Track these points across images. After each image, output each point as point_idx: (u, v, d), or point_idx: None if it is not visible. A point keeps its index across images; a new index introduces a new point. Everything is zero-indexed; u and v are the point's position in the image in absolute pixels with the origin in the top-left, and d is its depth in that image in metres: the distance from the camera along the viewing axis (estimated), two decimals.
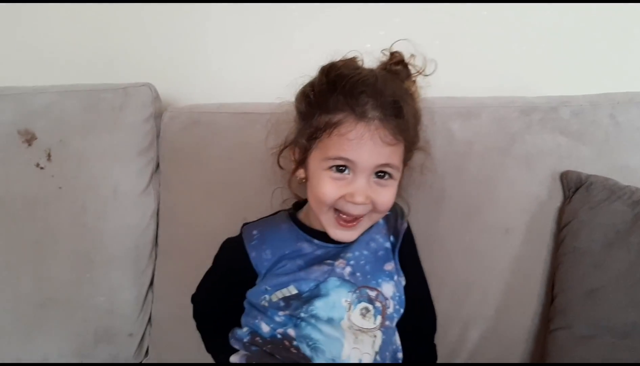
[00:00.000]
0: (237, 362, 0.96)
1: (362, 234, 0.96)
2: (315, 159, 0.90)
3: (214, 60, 1.39)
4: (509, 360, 1.08)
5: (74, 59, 1.43)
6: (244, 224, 1.00)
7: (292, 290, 0.93)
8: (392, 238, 1.01)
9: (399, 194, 0.98)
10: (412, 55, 0.99)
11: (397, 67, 0.98)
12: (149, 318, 1.25)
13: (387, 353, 0.94)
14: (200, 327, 1.09)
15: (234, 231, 1.13)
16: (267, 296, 0.94)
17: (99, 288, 1.21)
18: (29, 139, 1.22)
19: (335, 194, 0.88)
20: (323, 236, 0.95)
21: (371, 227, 0.97)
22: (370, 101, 0.86)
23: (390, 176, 0.90)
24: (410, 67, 1.00)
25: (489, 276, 1.08)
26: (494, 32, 1.29)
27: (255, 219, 1.05)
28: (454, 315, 1.09)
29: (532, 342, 1.07)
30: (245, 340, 0.96)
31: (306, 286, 0.93)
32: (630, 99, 1.10)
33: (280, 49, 1.36)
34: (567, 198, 1.05)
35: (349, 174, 0.88)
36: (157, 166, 1.27)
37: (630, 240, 0.94)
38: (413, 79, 0.99)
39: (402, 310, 0.97)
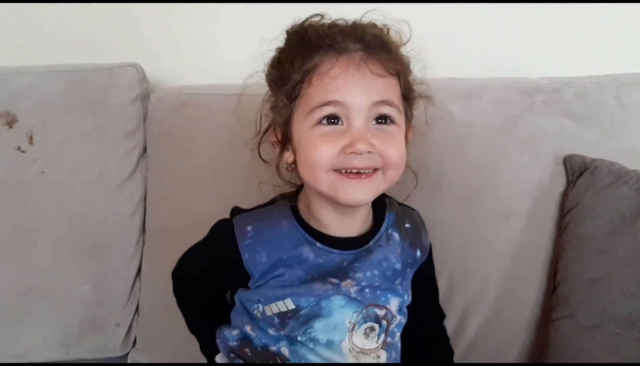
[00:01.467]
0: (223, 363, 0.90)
1: (376, 240, 0.85)
2: (299, 122, 0.78)
3: (203, 39, 1.35)
4: (510, 350, 1.06)
5: (57, 38, 1.39)
6: (236, 211, 0.88)
7: (288, 304, 0.81)
8: (418, 254, 0.90)
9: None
10: (385, 26, 0.83)
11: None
12: (137, 308, 1.22)
13: None
14: (181, 305, 0.99)
15: (224, 216, 1.11)
16: (260, 307, 0.83)
17: (85, 277, 1.17)
18: (10, 121, 1.17)
19: (332, 148, 0.74)
20: (328, 241, 0.83)
21: (386, 236, 0.86)
22: (347, 36, 0.76)
23: (393, 121, 0.78)
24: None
25: (489, 264, 1.06)
26: (496, 11, 1.26)
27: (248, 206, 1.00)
28: (453, 302, 1.07)
29: (533, 331, 1.05)
30: (232, 345, 0.88)
31: (305, 302, 0.81)
32: (636, 80, 1.09)
33: (271, 28, 1.31)
34: (571, 182, 1.03)
35: (342, 124, 0.75)
36: (145, 149, 1.23)
37: (637, 226, 0.92)
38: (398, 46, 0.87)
39: (403, 320, 0.89)
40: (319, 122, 0.76)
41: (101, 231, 1.18)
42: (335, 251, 0.83)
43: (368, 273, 0.83)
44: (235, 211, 0.89)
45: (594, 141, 1.05)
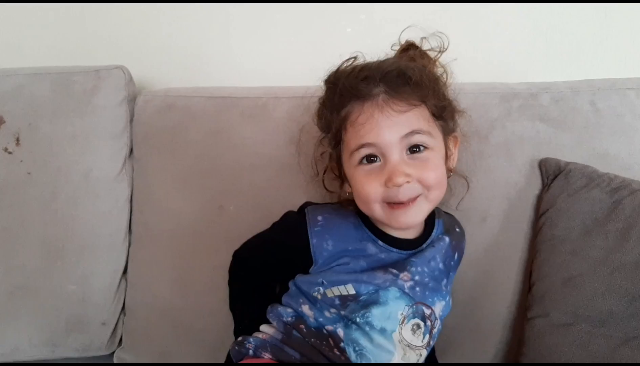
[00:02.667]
0: (261, 339, 0.93)
1: (429, 242, 0.94)
2: (346, 164, 0.89)
3: (189, 42, 1.36)
4: (486, 348, 1.08)
5: (43, 40, 1.39)
6: (307, 204, 0.96)
7: (349, 290, 0.88)
8: (456, 256, 0.99)
9: (454, 171, 0.97)
10: (424, 38, 0.97)
11: (408, 53, 0.96)
12: (123, 307, 1.23)
13: None
14: (232, 282, 1.04)
15: (211, 219, 1.14)
16: (321, 289, 0.89)
17: (71, 276, 1.18)
18: None
19: (376, 186, 0.84)
20: (389, 240, 0.91)
21: (437, 239, 0.95)
22: (370, 81, 0.84)
23: (426, 147, 0.85)
24: (427, 50, 0.98)
25: (465, 265, 1.06)
26: (476, 17, 1.27)
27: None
28: None
29: (509, 330, 1.07)
30: (287, 320, 0.92)
31: (365, 289, 0.88)
32: (611, 85, 1.10)
33: (259, 31, 1.34)
34: (546, 185, 1.05)
35: (379, 161, 0.85)
36: (131, 151, 1.24)
37: (607, 228, 0.94)
38: (434, 60, 0.98)
39: (440, 328, 0.95)
40: (360, 162, 0.85)
41: (87, 231, 1.18)
42: (394, 249, 0.91)
43: (419, 269, 0.91)
44: (308, 203, 0.98)
45: (569, 145, 1.07)
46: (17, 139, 1.17)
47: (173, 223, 1.16)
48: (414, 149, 0.84)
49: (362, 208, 0.89)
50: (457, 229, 1.01)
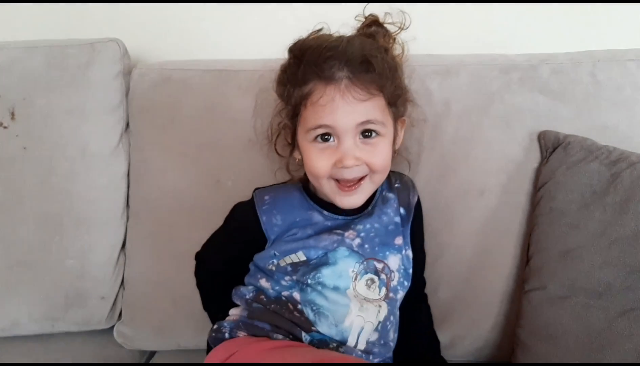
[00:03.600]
0: (233, 321, 0.97)
1: (373, 204, 0.98)
2: (301, 136, 0.92)
3: (185, 14, 1.33)
4: (483, 321, 1.09)
5: (37, 13, 1.37)
6: (256, 189, 1.00)
7: (300, 256, 0.93)
8: (402, 211, 1.00)
9: (398, 152, 1.00)
10: (387, 13, 0.99)
11: (371, 29, 0.97)
12: (122, 281, 1.23)
13: (388, 324, 0.95)
14: (200, 285, 1.09)
15: (208, 194, 1.14)
16: (275, 261, 0.95)
17: (69, 251, 1.18)
18: None
19: (326, 164, 0.89)
20: (333, 208, 0.96)
21: (381, 198, 0.99)
22: (336, 63, 0.85)
23: (377, 133, 0.89)
24: (388, 25, 0.98)
25: (463, 238, 1.08)
26: None
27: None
28: (427, 275, 1.08)
29: (507, 303, 1.08)
30: (248, 297, 0.97)
31: (315, 254, 0.93)
32: (611, 56, 1.09)
33: (256, 2, 1.31)
34: (545, 158, 1.05)
35: (333, 141, 0.89)
36: (127, 125, 1.23)
37: (606, 200, 0.94)
38: (394, 36, 0.99)
39: (407, 283, 0.98)
40: (315, 139, 0.89)
41: (85, 206, 1.18)
42: (340, 217, 0.97)
43: (368, 226, 0.96)
44: (256, 188, 1.01)
45: (568, 118, 1.06)
46: (12, 114, 1.17)
47: (170, 197, 1.16)
48: (366, 133, 0.89)
49: (312, 180, 0.94)
50: (397, 185, 1.03)
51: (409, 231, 1.00)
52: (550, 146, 1.04)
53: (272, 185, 1.03)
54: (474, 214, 1.08)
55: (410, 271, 0.99)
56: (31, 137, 1.17)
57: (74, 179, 1.18)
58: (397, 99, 0.93)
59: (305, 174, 0.97)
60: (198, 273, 1.08)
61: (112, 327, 1.24)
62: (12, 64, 1.18)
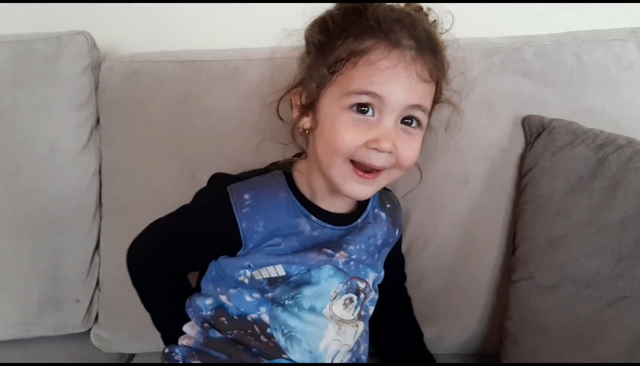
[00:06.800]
0: (186, 347, 0.88)
1: (364, 218, 0.88)
2: (331, 98, 0.76)
3: (155, 3, 1.29)
4: (470, 312, 1.07)
5: (0, 7, 1.32)
6: (223, 177, 0.86)
7: (279, 271, 0.82)
8: (397, 233, 0.96)
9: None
10: (429, 9, 0.86)
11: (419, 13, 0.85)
12: (97, 283, 1.20)
13: (361, 340, 0.91)
14: (137, 287, 0.92)
15: (183, 189, 1.05)
16: (248, 272, 0.82)
17: (41, 254, 1.15)
18: None
19: (357, 140, 0.74)
20: (322, 214, 0.84)
21: (373, 215, 0.90)
22: (405, 28, 0.74)
23: (419, 123, 0.78)
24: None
25: (448, 228, 1.06)
26: None
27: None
28: (411, 267, 1.07)
29: (494, 294, 1.06)
30: (206, 315, 0.86)
31: (296, 270, 0.82)
32: (596, 37, 1.07)
33: None
34: (529, 143, 1.02)
35: (372, 115, 0.75)
36: (97, 121, 1.19)
37: (593, 185, 0.91)
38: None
39: (377, 297, 0.93)
40: (351, 107, 0.75)
41: (55, 206, 1.15)
42: (328, 225, 0.84)
43: (357, 247, 0.86)
44: (222, 177, 0.86)
45: (553, 101, 1.04)
46: None
47: (144, 195, 1.13)
48: (408, 120, 0.77)
49: (323, 156, 0.79)
50: (389, 205, 0.95)
51: (389, 249, 0.95)
52: (535, 130, 1.01)
53: (250, 177, 0.85)
54: (459, 203, 1.06)
55: (377, 285, 0.94)
56: None
57: (42, 178, 1.14)
58: (440, 96, 0.84)
59: (289, 162, 0.85)
60: (132, 272, 0.91)
61: (89, 330, 1.21)
62: None
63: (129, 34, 1.31)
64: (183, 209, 0.87)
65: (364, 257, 0.88)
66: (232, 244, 0.81)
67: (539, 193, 0.96)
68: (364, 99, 0.74)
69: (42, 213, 1.14)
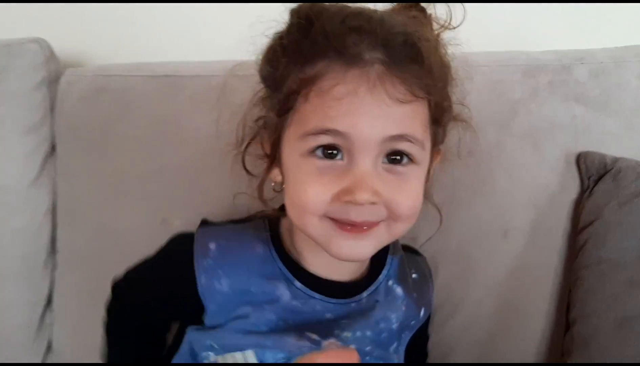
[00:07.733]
0: None
1: (372, 291, 0.73)
2: (289, 144, 0.65)
3: (125, 9, 1.18)
4: None
5: None
6: (204, 223, 0.76)
7: (249, 357, 0.68)
8: (422, 314, 0.79)
9: (426, 196, 0.72)
10: (431, 2, 0.71)
11: (411, 12, 0.69)
12: (49, 346, 1.06)
13: None
14: (108, 324, 0.83)
15: (152, 236, 0.93)
16: (211, 355, 0.69)
17: None
18: None
19: (324, 194, 0.61)
20: (311, 281, 0.70)
21: (386, 290, 0.75)
22: (366, 38, 0.59)
23: (411, 159, 0.63)
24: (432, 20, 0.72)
25: (481, 292, 0.94)
26: None
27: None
28: (434, 339, 0.92)
29: None
30: None
31: (272, 357, 0.68)
32: None
33: None
34: (587, 188, 0.90)
35: (342, 159, 0.61)
36: (53, 148, 1.06)
37: None
38: (437, 34, 0.72)
39: None
40: (313, 152, 0.62)
41: None
42: (317, 295, 0.70)
43: (359, 333, 0.71)
44: (203, 223, 0.77)
45: (615, 134, 0.93)
46: None
47: (107, 240, 1.01)
48: (395, 157, 0.63)
49: (294, 217, 0.66)
50: (414, 276, 0.80)
51: (408, 338, 0.78)
52: (595, 172, 0.89)
53: (229, 223, 0.77)
54: (496, 261, 0.94)
55: None
56: None
57: None
58: (442, 114, 0.68)
59: (281, 207, 0.72)
60: (109, 305, 0.83)
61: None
62: None
63: (94, 43, 1.21)
64: (159, 249, 0.79)
65: (368, 348, 0.71)
66: (193, 303, 0.69)
67: (604, 256, 0.83)
68: (323, 140, 0.61)
69: None
